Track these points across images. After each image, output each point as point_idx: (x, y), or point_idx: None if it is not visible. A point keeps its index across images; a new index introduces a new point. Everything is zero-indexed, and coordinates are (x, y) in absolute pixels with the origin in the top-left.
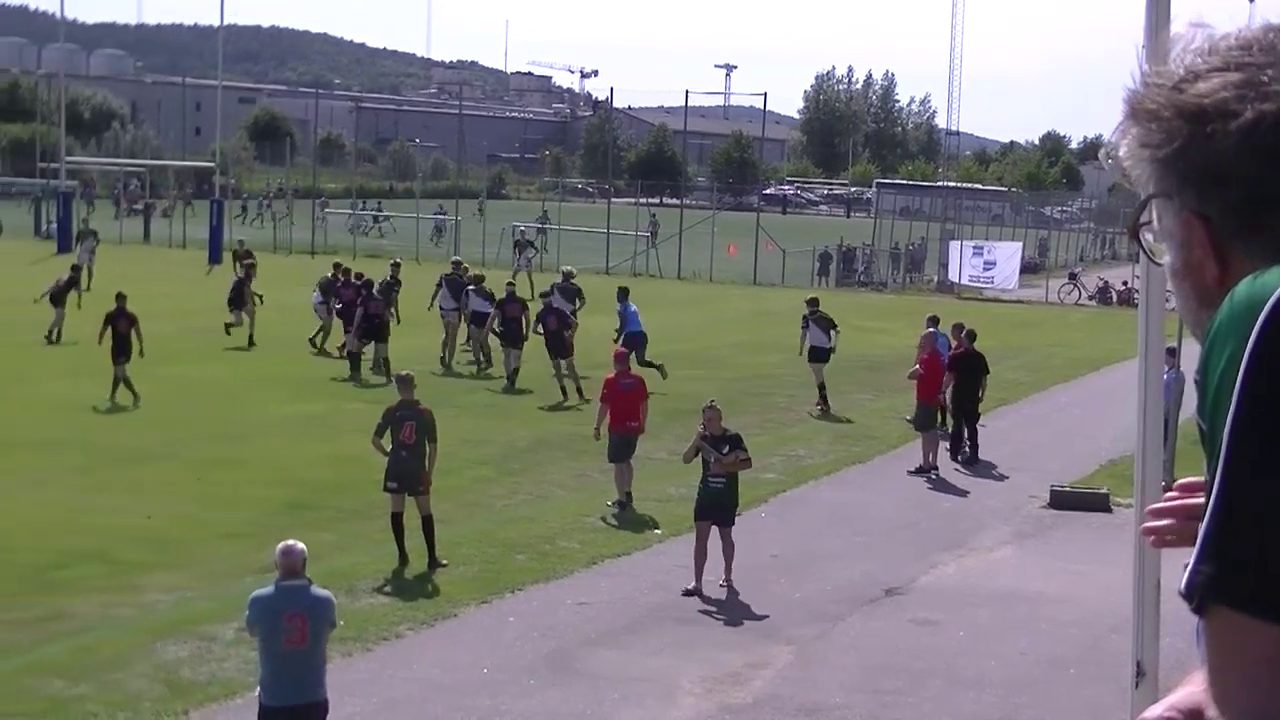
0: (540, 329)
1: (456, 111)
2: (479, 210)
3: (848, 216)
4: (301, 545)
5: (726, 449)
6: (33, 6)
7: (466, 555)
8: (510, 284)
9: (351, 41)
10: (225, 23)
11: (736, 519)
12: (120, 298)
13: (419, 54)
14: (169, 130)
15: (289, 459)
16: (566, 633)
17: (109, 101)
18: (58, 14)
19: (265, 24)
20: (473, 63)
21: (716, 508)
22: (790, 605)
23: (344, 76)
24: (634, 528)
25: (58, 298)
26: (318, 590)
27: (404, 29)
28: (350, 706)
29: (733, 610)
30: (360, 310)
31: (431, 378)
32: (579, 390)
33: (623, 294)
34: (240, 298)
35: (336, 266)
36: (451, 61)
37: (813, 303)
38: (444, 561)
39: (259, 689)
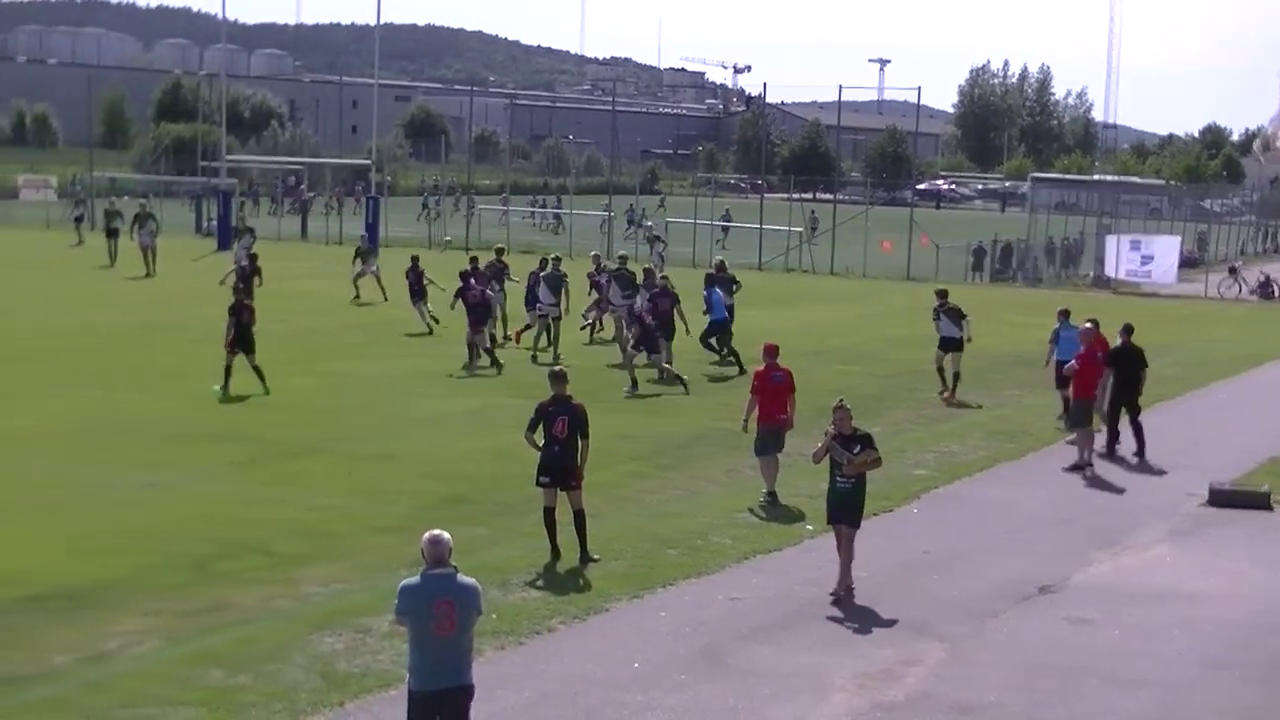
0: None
1: (610, 108)
2: (660, 205)
3: (1002, 211)
4: (448, 535)
5: (857, 449)
6: (195, 8)
7: (618, 550)
8: (664, 277)
9: (506, 39)
10: (381, 22)
11: (877, 517)
12: (237, 291)
13: (573, 51)
14: (326, 128)
15: (445, 453)
16: (718, 628)
17: (268, 100)
18: (220, 16)
19: (421, 22)
20: (626, 59)
21: (845, 508)
22: (943, 602)
23: (499, 74)
24: (785, 522)
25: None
26: (464, 578)
27: (558, 26)
28: (503, 699)
29: (885, 606)
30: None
31: (584, 373)
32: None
33: (709, 280)
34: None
35: (500, 251)
36: (605, 58)
37: (942, 294)
38: (596, 556)
39: (408, 675)
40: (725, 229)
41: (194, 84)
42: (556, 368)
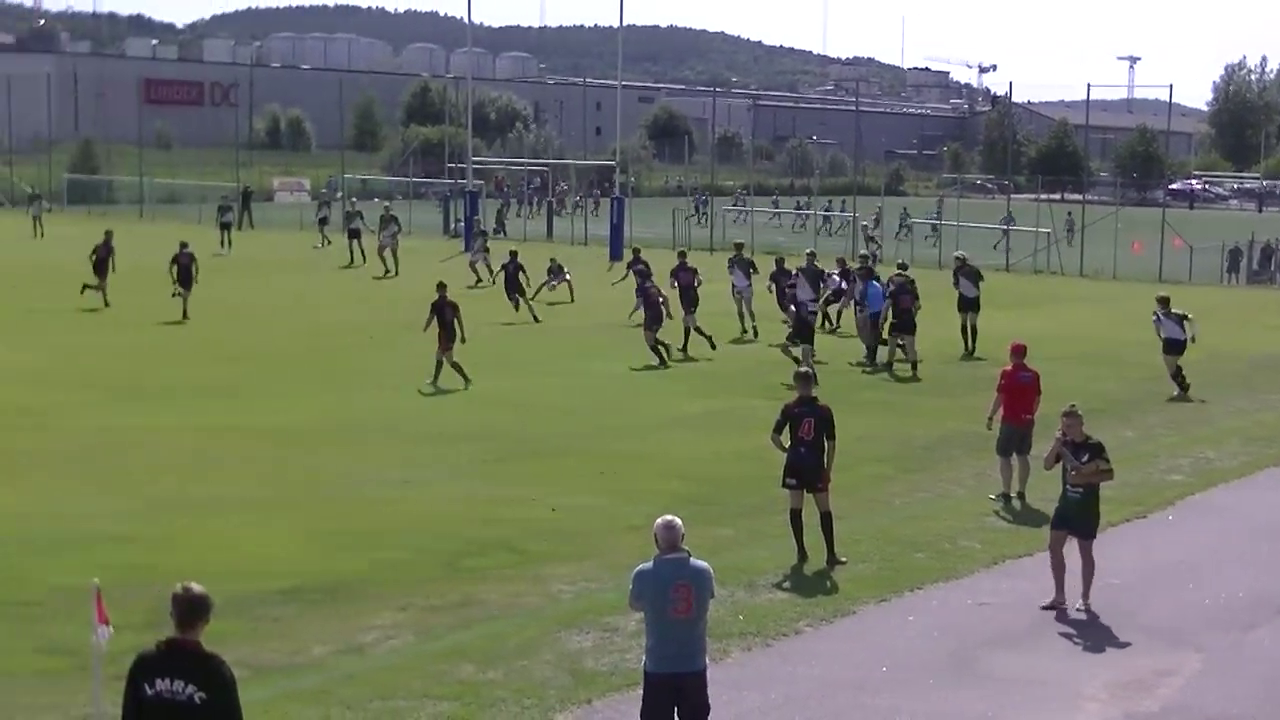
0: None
1: (853, 108)
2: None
3: (1259, 211)
4: (679, 520)
5: (1085, 457)
6: (443, 12)
7: (865, 552)
8: (901, 274)
9: (749, 40)
10: (625, 24)
11: (1129, 523)
12: (441, 287)
13: (816, 51)
14: (570, 129)
15: (693, 454)
16: (966, 633)
17: (513, 103)
18: (466, 20)
19: (664, 24)
20: (869, 59)
21: (1074, 518)
22: (1199, 611)
23: (741, 74)
24: (1034, 526)
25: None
26: (697, 561)
27: (801, 26)
28: (750, 701)
29: (1138, 615)
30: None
31: (831, 374)
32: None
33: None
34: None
35: (779, 262)
36: (848, 58)
37: (1163, 301)
38: (843, 558)
39: (645, 658)
40: (935, 227)
41: (441, 87)
42: (802, 369)
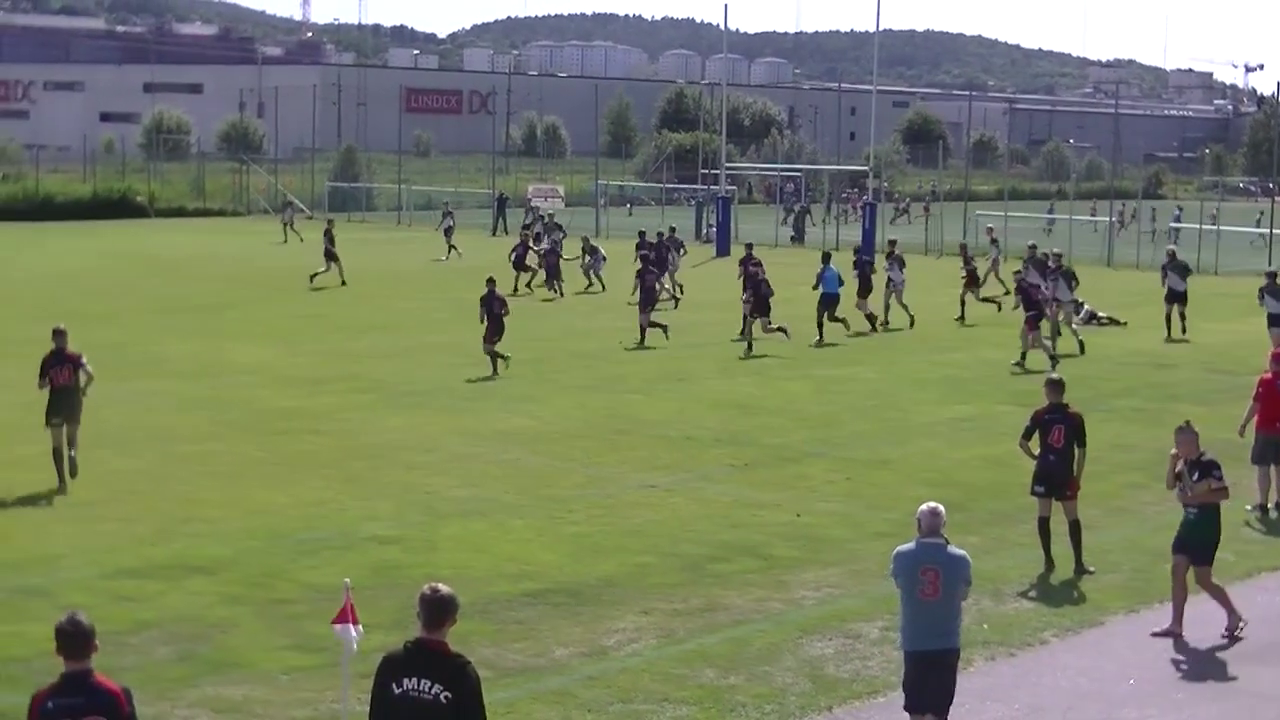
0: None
1: (1112, 111)
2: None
3: None
4: (943, 509)
5: (1196, 476)
6: (699, 19)
7: (1114, 562)
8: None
9: (1006, 42)
10: (880, 28)
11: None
12: (490, 282)
13: (1074, 53)
14: (824, 135)
15: (941, 460)
16: (1219, 646)
17: (768, 108)
18: (722, 26)
19: (919, 28)
20: (1130, 60)
21: (1189, 540)
22: None
23: (998, 78)
24: None
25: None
26: (954, 549)
27: (1060, 28)
28: (994, 710)
29: None
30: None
31: (1080, 381)
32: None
33: (825, 258)
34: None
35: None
36: (1108, 60)
37: (1271, 275)
38: (1091, 568)
39: (899, 635)
40: (1176, 230)
41: (696, 93)
42: (1053, 375)
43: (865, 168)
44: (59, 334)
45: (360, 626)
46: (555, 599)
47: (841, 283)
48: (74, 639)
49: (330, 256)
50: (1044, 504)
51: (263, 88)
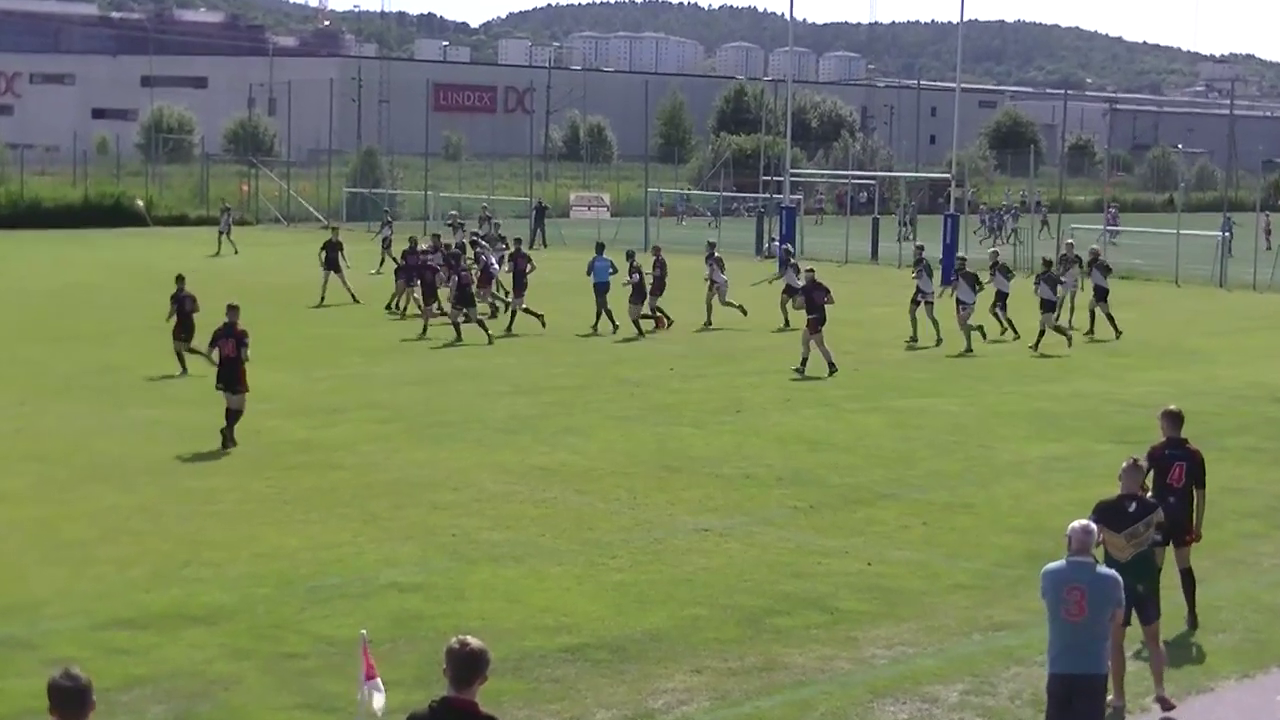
0: None
1: (1226, 112)
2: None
3: None
4: (1095, 528)
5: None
6: (762, 8)
7: (1226, 620)
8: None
9: (1106, 35)
10: (965, 19)
11: None
12: (180, 280)
13: (1184, 48)
14: (901, 138)
15: (1030, 504)
16: None
17: (838, 108)
18: (787, 16)
19: (1009, 19)
20: (1248, 55)
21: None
22: None
23: (1097, 75)
24: None
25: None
26: (1102, 569)
27: (1167, 20)
28: None
29: None
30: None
31: (1189, 417)
32: None
33: (599, 249)
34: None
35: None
36: (1222, 55)
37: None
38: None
39: (1046, 657)
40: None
41: (758, 90)
42: (1171, 407)
43: (947, 175)
44: (232, 309)
45: (379, 682)
46: (596, 655)
47: (614, 270)
48: (71, 696)
49: (332, 266)
50: (1159, 553)
51: (274, 82)
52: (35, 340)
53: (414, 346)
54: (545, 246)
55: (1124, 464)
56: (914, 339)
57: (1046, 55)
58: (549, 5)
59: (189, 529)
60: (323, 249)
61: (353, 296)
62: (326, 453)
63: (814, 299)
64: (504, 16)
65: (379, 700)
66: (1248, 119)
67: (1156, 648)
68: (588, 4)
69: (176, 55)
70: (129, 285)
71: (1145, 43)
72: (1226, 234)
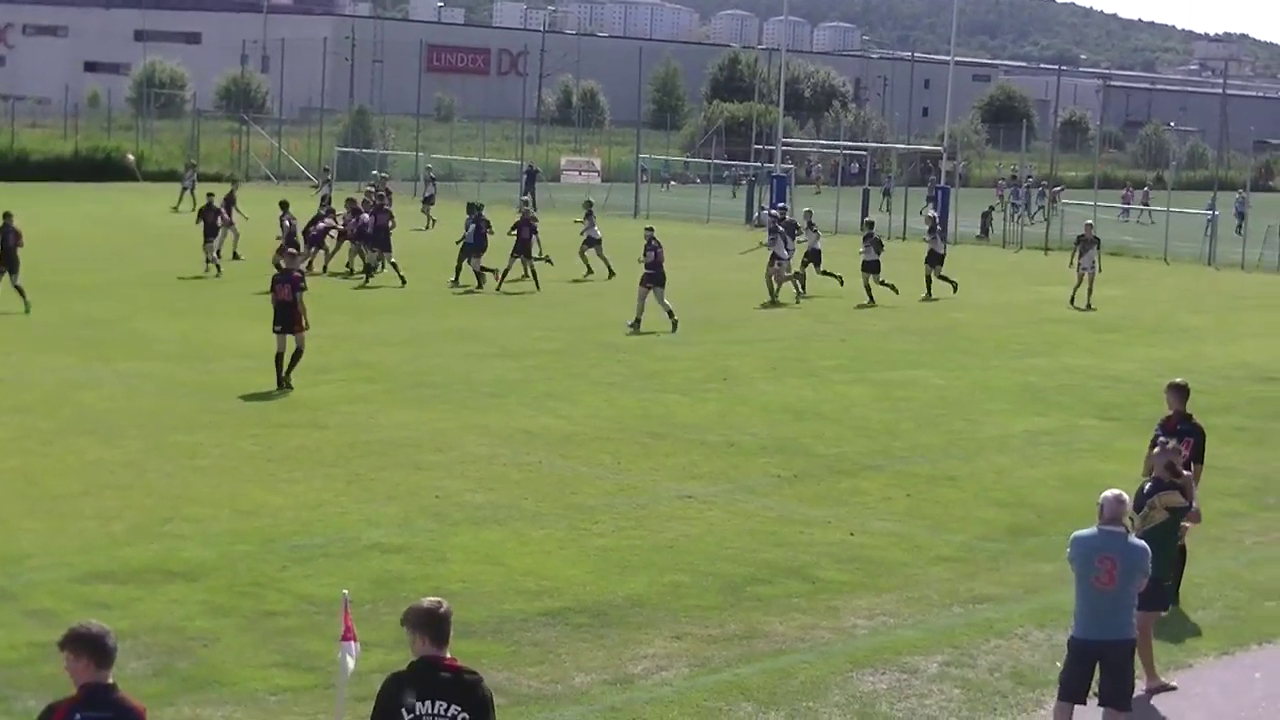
0: None
1: (1220, 91)
2: None
3: None
4: (1126, 497)
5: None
6: None
7: (1207, 598)
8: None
9: (1101, 12)
10: None
11: None
12: (7, 216)
13: (1179, 25)
14: (894, 110)
15: (1013, 479)
16: None
17: (831, 78)
18: None
19: None
20: (1242, 35)
21: None
22: None
23: (1091, 51)
24: None
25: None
26: (1134, 540)
27: None
28: None
29: None
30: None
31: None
32: None
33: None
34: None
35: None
36: (1217, 34)
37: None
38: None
39: (1072, 622)
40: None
41: (752, 59)
42: (1177, 380)
43: (939, 148)
44: (290, 256)
45: (358, 644)
46: (577, 619)
47: (491, 230)
48: (113, 650)
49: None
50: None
51: (268, 39)
52: (16, 294)
53: (400, 306)
54: (535, 210)
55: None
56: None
57: (1041, 30)
58: None
59: (172, 484)
60: (200, 213)
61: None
62: (311, 412)
63: (657, 257)
64: None
65: (350, 661)
66: (1241, 99)
67: (1145, 638)
68: None
69: (170, 10)
70: (118, 239)
71: (1140, 20)
72: (1215, 213)
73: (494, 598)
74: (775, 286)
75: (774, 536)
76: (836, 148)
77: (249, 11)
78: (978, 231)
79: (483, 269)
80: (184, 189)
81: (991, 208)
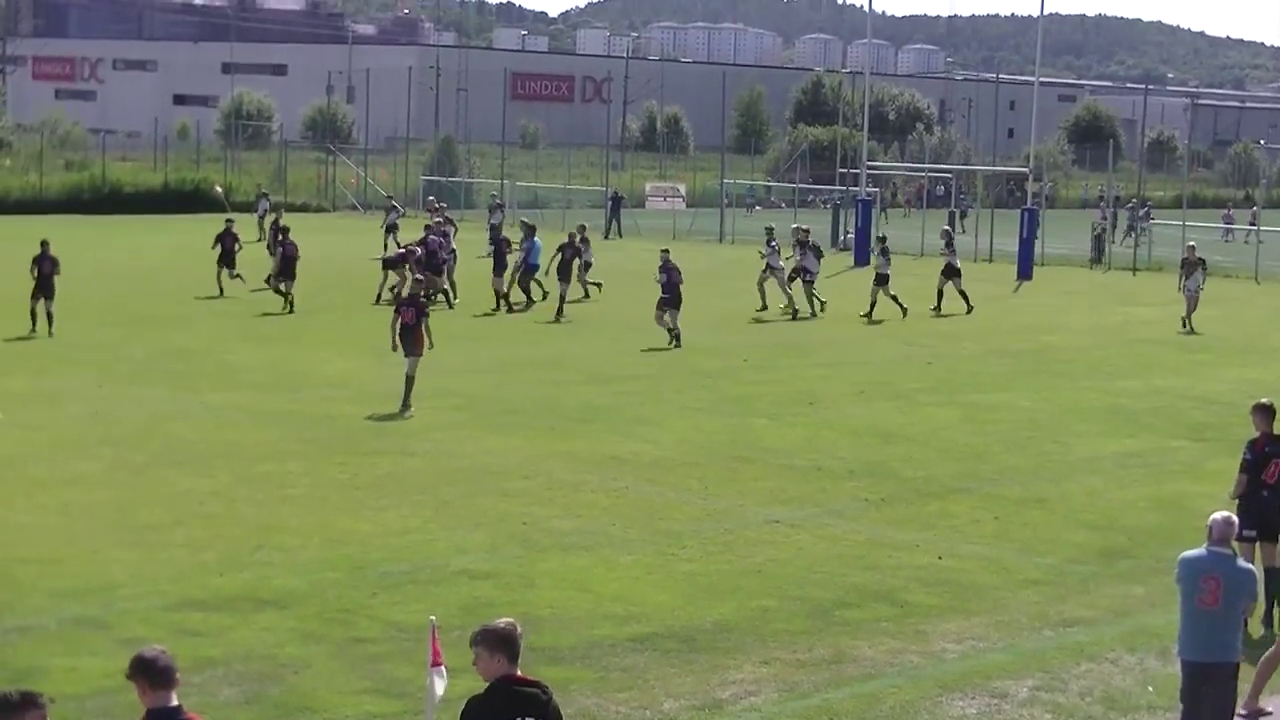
0: None
1: None
2: None
3: None
4: (1235, 519)
5: None
6: (840, 0)
7: None
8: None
9: (1189, 30)
10: (1046, 12)
11: None
12: (44, 244)
13: (1268, 43)
14: (979, 131)
15: (1103, 501)
16: None
17: (916, 100)
18: (866, 8)
19: (1090, 13)
20: None
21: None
22: None
23: (1179, 69)
24: None
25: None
26: (1241, 563)
27: (1252, 14)
28: None
29: None
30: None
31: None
32: None
33: (530, 231)
34: None
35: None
36: None
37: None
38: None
39: (1176, 643)
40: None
41: (835, 83)
42: (1264, 400)
43: (1025, 169)
44: (417, 282)
45: (446, 669)
46: (665, 644)
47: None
48: (166, 670)
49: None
50: (1248, 549)
51: (353, 70)
52: (112, 324)
53: (488, 334)
54: (620, 236)
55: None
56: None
57: (1128, 49)
58: None
59: (261, 513)
60: (218, 238)
61: (220, 289)
62: (399, 439)
63: (671, 279)
64: (582, 6)
65: (439, 686)
66: None
67: (1271, 663)
68: None
69: (257, 43)
70: (204, 270)
71: (1229, 37)
72: None
73: (582, 623)
74: (802, 297)
75: (862, 560)
76: (921, 170)
77: (334, 43)
78: (1090, 253)
79: (511, 291)
80: (258, 217)
81: (1103, 229)
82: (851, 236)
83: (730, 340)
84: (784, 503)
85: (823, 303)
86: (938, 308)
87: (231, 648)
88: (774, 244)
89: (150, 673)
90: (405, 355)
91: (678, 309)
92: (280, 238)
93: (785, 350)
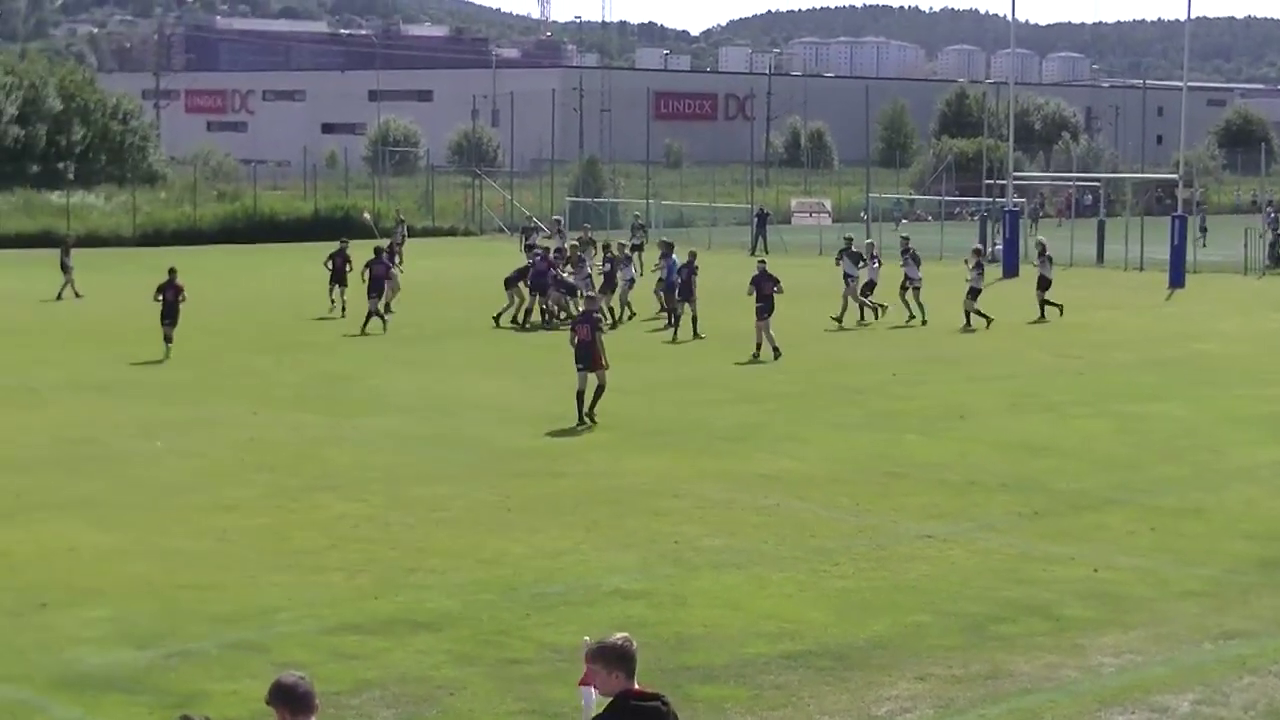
0: None
1: None
2: None
3: None
4: None
5: None
6: (983, 10)
7: None
8: None
9: None
10: (1193, 16)
11: None
12: (171, 272)
13: None
14: (1126, 139)
15: (1262, 509)
16: None
17: (1062, 109)
18: (1009, 18)
19: (1239, 15)
20: None
21: None
22: None
23: None
24: None
25: None
26: None
27: None
28: None
29: None
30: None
31: None
32: None
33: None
34: None
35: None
36: None
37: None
38: None
39: None
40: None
41: (980, 93)
42: None
43: (1174, 176)
44: (590, 299)
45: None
46: (819, 662)
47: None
48: (306, 696)
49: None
50: None
51: (497, 93)
52: (267, 350)
53: (633, 354)
54: (768, 253)
55: None
56: (912, 319)
57: (1278, 51)
58: (769, 12)
59: (415, 536)
60: (331, 257)
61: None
62: (549, 460)
63: (763, 289)
64: (724, 24)
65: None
66: None
67: None
68: (808, 10)
69: (402, 70)
70: (357, 295)
71: None
72: None
73: (735, 641)
74: (914, 306)
75: (1016, 574)
76: (1068, 179)
77: (478, 68)
78: (1266, 260)
79: (611, 307)
80: (396, 244)
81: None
82: (1000, 248)
83: (878, 354)
84: (936, 517)
85: (921, 309)
86: (1042, 316)
87: (388, 670)
88: (910, 251)
89: (290, 699)
90: (586, 371)
91: (766, 318)
92: (379, 257)
93: (933, 363)
